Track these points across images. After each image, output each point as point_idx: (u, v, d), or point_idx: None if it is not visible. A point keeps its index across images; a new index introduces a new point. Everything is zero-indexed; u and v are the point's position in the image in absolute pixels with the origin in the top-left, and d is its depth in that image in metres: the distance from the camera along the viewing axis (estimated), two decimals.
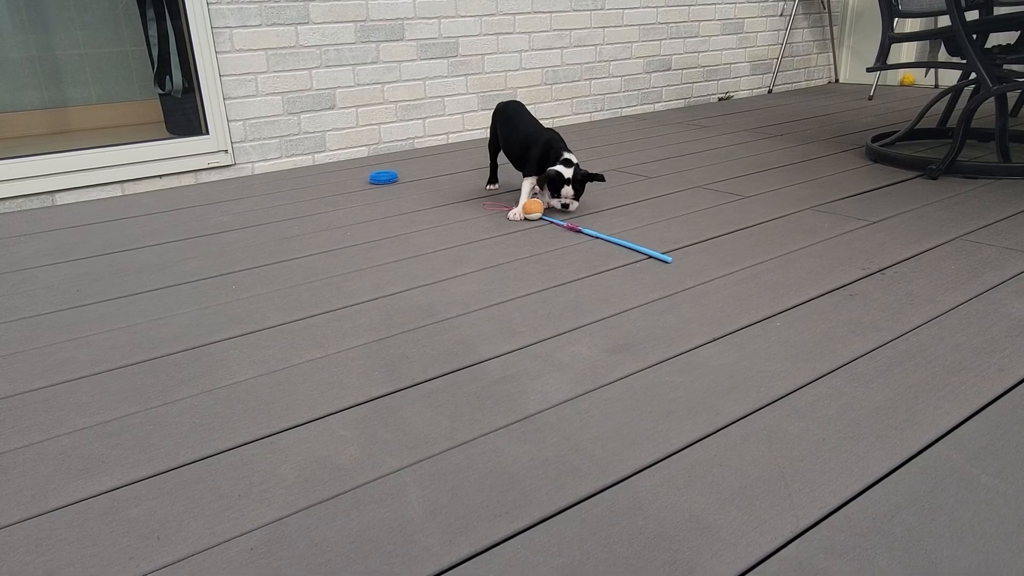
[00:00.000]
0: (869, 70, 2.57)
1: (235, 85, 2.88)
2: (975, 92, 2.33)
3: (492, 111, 2.53)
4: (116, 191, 2.74)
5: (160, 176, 2.82)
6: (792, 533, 0.85)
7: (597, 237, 1.93)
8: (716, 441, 1.03)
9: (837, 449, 1.00)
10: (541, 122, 2.33)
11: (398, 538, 0.87)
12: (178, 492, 0.98)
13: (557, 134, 2.21)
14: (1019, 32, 2.52)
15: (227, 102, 2.88)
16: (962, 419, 1.05)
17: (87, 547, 0.88)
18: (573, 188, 2.10)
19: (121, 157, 2.73)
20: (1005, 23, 2.41)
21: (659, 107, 4.18)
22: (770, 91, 4.66)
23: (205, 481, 1.00)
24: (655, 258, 1.72)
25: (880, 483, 0.92)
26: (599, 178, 2.12)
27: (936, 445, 0.99)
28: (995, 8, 2.64)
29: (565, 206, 2.15)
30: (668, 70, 4.15)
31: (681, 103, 4.28)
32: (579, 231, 1.99)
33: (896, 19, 2.79)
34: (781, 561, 0.80)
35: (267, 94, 2.96)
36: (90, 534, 0.91)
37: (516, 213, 2.17)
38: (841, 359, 1.24)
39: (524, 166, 2.25)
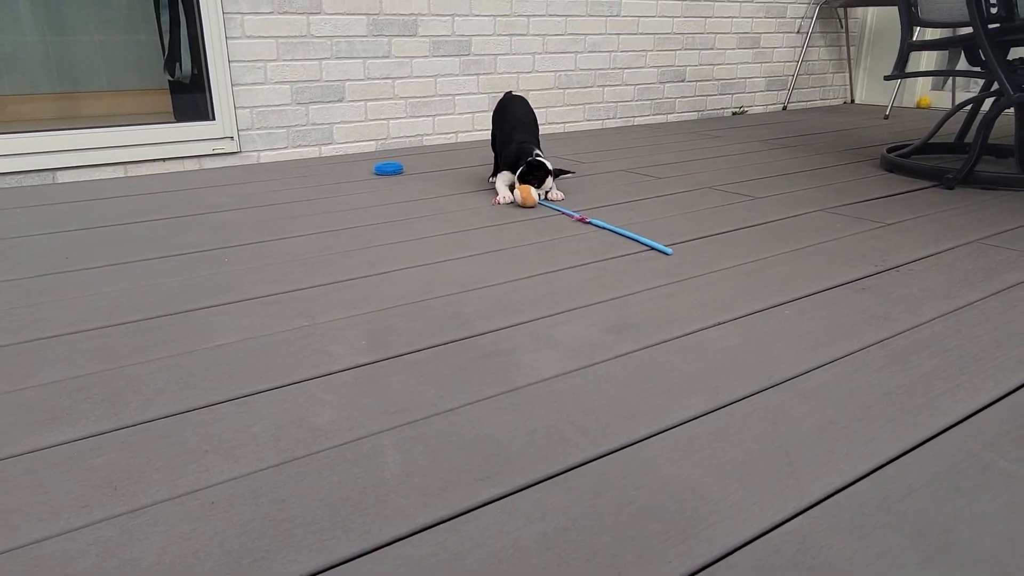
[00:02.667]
0: (887, 78, 2.52)
1: (244, 72, 2.86)
2: (996, 101, 2.27)
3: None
4: (119, 172, 2.71)
5: (163, 159, 2.79)
6: (796, 509, 0.78)
7: (603, 228, 1.89)
8: (717, 418, 0.97)
9: (846, 430, 0.93)
10: (538, 122, 2.42)
11: (371, 498, 0.81)
12: (143, 445, 0.92)
13: (533, 139, 2.29)
14: None
15: (235, 88, 2.86)
16: (980, 407, 0.98)
17: (38, 494, 0.83)
18: (551, 179, 2.19)
19: (125, 138, 2.70)
20: None
21: (672, 118, 4.14)
22: (785, 107, 4.62)
23: (172, 436, 0.94)
24: (656, 249, 1.67)
25: (891, 464, 0.86)
26: (568, 172, 2.33)
27: (951, 430, 0.93)
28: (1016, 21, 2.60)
29: (547, 193, 2.21)
30: (682, 81, 4.11)
31: (694, 115, 4.24)
32: (588, 222, 1.95)
33: (916, 30, 2.75)
34: (784, 535, 0.74)
35: (276, 82, 2.93)
36: (43, 481, 0.85)
37: (504, 197, 2.21)
38: (851, 347, 1.18)
39: (500, 160, 2.36)
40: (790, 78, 4.58)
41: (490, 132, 2.55)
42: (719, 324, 1.28)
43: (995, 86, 2.34)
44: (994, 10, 2.59)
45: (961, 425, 0.94)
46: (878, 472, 0.84)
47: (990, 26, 2.53)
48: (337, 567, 0.71)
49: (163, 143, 2.77)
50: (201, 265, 1.64)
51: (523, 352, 1.18)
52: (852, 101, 4.96)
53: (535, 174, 2.16)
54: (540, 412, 0.99)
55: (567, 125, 3.76)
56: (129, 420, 0.98)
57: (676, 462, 0.87)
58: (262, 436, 0.94)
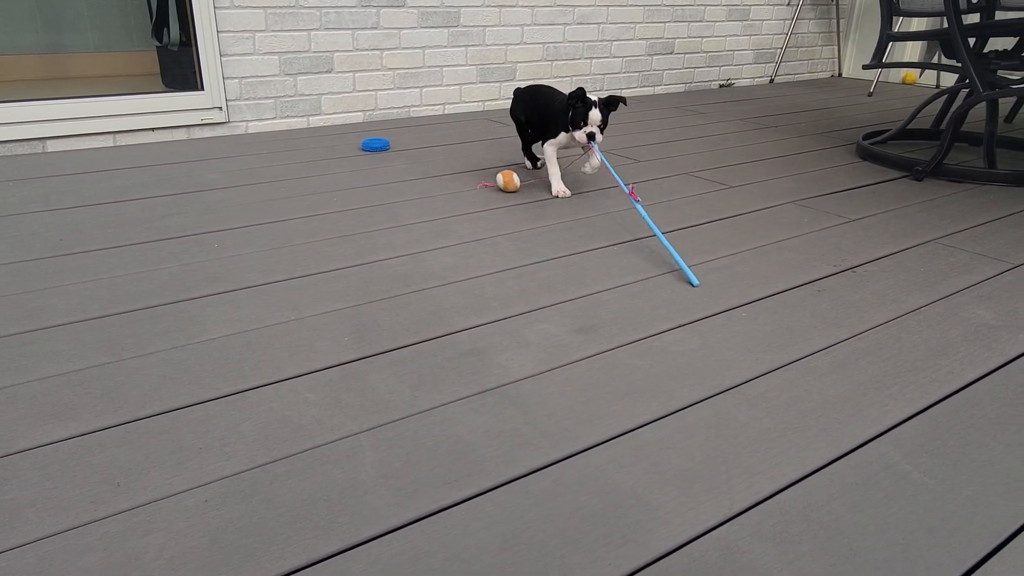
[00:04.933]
0: (865, 67, 2.57)
1: (232, 42, 2.87)
2: (967, 96, 2.34)
3: (512, 96, 2.40)
4: (108, 141, 2.74)
5: (153, 129, 2.82)
6: (725, 516, 0.88)
7: (646, 221, 1.76)
8: (667, 424, 1.06)
9: (781, 439, 1.03)
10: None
11: (349, 498, 0.91)
12: (142, 442, 1.01)
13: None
14: (1017, 38, 2.52)
15: (223, 59, 2.87)
16: (905, 417, 1.08)
17: (49, 488, 0.91)
18: (600, 113, 1.99)
19: (114, 108, 2.72)
20: (1003, 28, 2.42)
21: (659, 90, 4.17)
22: (772, 81, 4.65)
23: (169, 433, 1.03)
24: (684, 273, 1.57)
25: (816, 473, 0.96)
26: (622, 100, 2.06)
27: (876, 441, 1.03)
28: (996, 13, 2.65)
29: (591, 136, 2.00)
30: (670, 53, 4.13)
31: (682, 87, 4.27)
32: (636, 201, 1.80)
33: (899, 18, 2.79)
34: (710, 541, 0.84)
35: (264, 53, 2.94)
36: (53, 476, 0.94)
37: (560, 190, 2.15)
38: (799, 352, 1.27)
39: (547, 128, 2.17)
40: (778, 51, 4.60)
41: (515, 130, 2.48)
42: (681, 326, 1.37)
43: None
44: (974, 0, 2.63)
45: (886, 435, 1.04)
46: (804, 481, 0.95)
47: (971, 16, 2.58)
48: (318, 564, 0.81)
49: (152, 113, 2.79)
50: (192, 251, 1.71)
51: (496, 352, 1.27)
52: (840, 75, 4.98)
53: (603, 112, 1.98)
54: (508, 413, 1.09)
55: None
56: (128, 416, 1.07)
57: (625, 468, 0.97)
58: (250, 435, 1.03)
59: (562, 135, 2.10)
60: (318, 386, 1.16)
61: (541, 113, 2.22)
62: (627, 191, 1.81)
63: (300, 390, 1.15)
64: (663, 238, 1.69)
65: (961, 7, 2.45)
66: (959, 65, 2.31)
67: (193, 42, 2.83)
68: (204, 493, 0.91)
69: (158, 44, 3.10)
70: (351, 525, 0.86)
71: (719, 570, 0.80)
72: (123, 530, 0.85)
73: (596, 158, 2.06)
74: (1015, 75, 2.30)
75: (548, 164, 2.21)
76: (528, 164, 2.48)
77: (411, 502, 0.90)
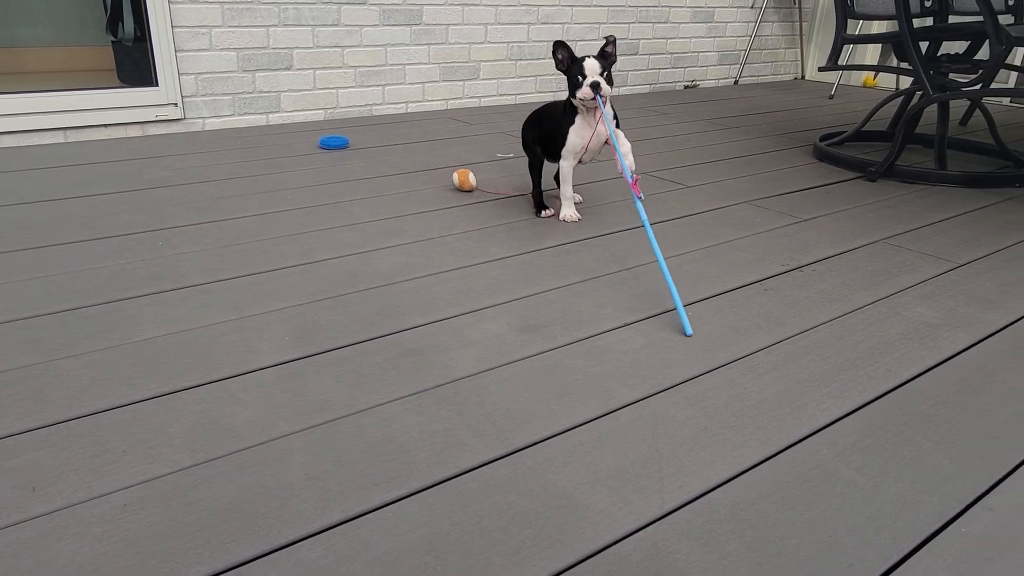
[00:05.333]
0: (821, 69, 2.60)
1: (188, 37, 2.82)
2: (919, 99, 2.37)
3: (525, 120, 2.05)
4: (58, 137, 2.67)
5: (106, 126, 2.76)
6: (655, 515, 0.88)
7: (649, 238, 1.52)
8: (603, 424, 1.06)
9: (717, 438, 1.03)
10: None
11: (274, 501, 0.89)
12: (63, 445, 0.98)
13: None
14: (968, 42, 2.57)
15: (179, 54, 2.82)
16: (840, 415, 1.09)
17: None
18: (599, 63, 1.75)
19: (66, 103, 2.66)
20: (955, 32, 2.46)
21: (624, 91, 4.18)
22: (736, 82, 4.68)
23: (92, 436, 1.00)
24: (681, 319, 1.36)
25: (749, 472, 0.96)
26: (610, 42, 1.81)
27: (810, 439, 1.03)
28: (950, 17, 2.69)
29: (596, 86, 1.73)
30: (635, 54, 4.15)
31: (647, 88, 4.29)
32: (639, 198, 1.59)
33: (860, 21, 2.82)
34: (637, 541, 0.84)
35: (221, 49, 2.90)
36: None
37: (570, 214, 1.93)
38: (742, 351, 1.28)
39: (558, 140, 1.88)
40: (743, 53, 4.64)
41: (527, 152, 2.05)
42: (626, 325, 1.36)
43: None
44: (928, 3, 2.67)
45: (820, 434, 1.04)
46: (737, 479, 0.94)
47: (925, 20, 2.62)
48: (235, 568, 0.79)
49: (105, 109, 2.73)
50: (135, 249, 1.67)
51: (438, 351, 1.25)
52: (803, 77, 5.04)
53: (602, 63, 1.75)
54: (444, 414, 1.07)
55: (519, 97, 3.78)
56: (52, 418, 1.04)
57: (558, 468, 0.96)
58: (178, 437, 1.00)
59: (573, 136, 1.83)
60: (253, 387, 1.13)
61: (549, 127, 1.93)
62: (630, 182, 1.62)
63: (234, 391, 1.12)
64: (668, 275, 1.44)
65: (914, 11, 2.49)
66: (910, 68, 2.34)
67: (148, 37, 2.78)
68: (123, 497, 0.89)
69: (113, 39, 3.03)
70: (273, 529, 0.84)
71: (644, 570, 0.79)
72: (34, 536, 0.82)
73: (624, 144, 1.79)
74: (966, 79, 2.34)
75: (563, 184, 1.94)
76: (536, 210, 2.01)
77: (337, 504, 0.88)
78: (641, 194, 1.63)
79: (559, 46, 1.80)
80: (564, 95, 1.86)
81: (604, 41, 1.82)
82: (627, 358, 1.24)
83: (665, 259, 1.48)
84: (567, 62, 1.80)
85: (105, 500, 0.88)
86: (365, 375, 1.17)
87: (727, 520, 0.87)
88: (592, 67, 1.74)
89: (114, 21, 3.01)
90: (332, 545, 0.82)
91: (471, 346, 1.27)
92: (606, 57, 1.78)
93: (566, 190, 1.95)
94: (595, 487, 0.92)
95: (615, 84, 1.80)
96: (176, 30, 2.78)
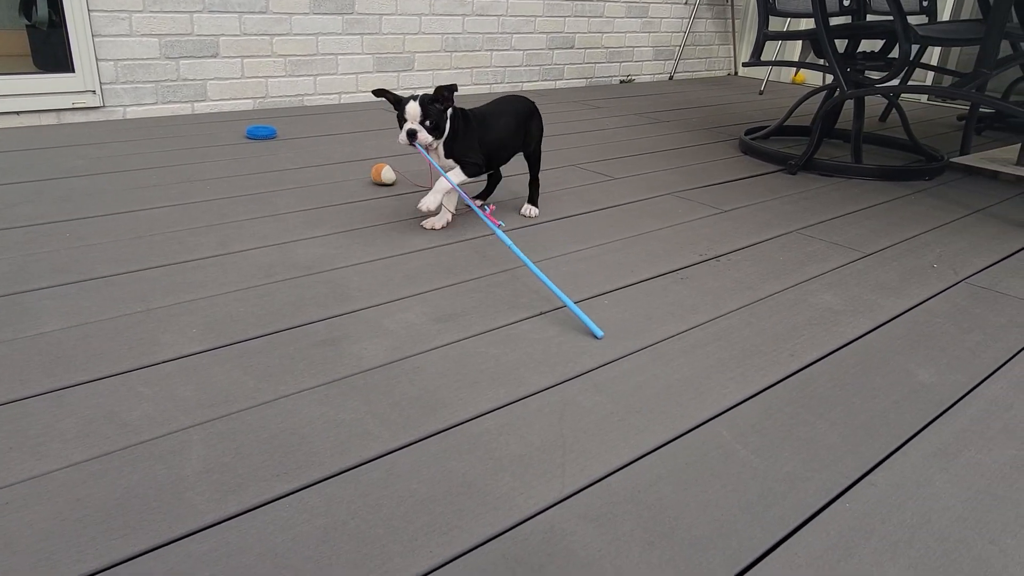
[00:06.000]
0: (745, 64, 2.66)
1: (106, 22, 2.72)
2: (837, 94, 2.45)
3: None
4: None
5: (17, 113, 2.64)
6: (555, 499, 0.89)
7: (517, 256, 1.47)
8: (511, 411, 1.06)
9: (622, 423, 1.05)
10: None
11: (167, 496, 0.87)
12: None
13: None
14: (883, 40, 2.66)
15: (96, 39, 2.71)
16: (742, 399, 1.12)
17: None
18: (421, 109, 1.61)
19: None
20: (868, 31, 2.55)
21: (560, 84, 4.21)
22: (671, 77, 4.76)
23: None
24: (587, 325, 1.31)
25: (650, 455, 0.98)
26: (450, 88, 1.63)
27: (711, 422, 1.06)
28: (868, 16, 2.79)
29: (412, 134, 1.62)
30: (571, 48, 4.17)
31: (583, 82, 4.32)
32: (496, 226, 1.53)
33: (789, 19, 2.89)
34: (535, 524, 0.84)
35: (142, 35, 2.80)
36: None
37: (427, 204, 1.67)
38: (653, 338, 1.30)
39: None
40: (677, 48, 4.71)
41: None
42: (542, 314, 1.37)
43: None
44: (846, 2, 2.76)
45: (721, 417, 1.07)
46: (637, 463, 0.96)
47: (841, 19, 2.70)
48: (118, 565, 0.76)
49: (17, 95, 2.62)
50: (42, 240, 1.60)
51: (352, 341, 1.24)
52: (735, 73, 5.16)
53: (424, 109, 1.61)
54: (351, 404, 1.06)
55: None
56: None
57: (462, 455, 0.96)
58: (70, 432, 0.97)
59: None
60: (154, 380, 1.10)
61: None
62: (483, 216, 1.55)
63: (134, 384, 1.09)
64: (553, 285, 1.39)
65: (833, 10, 2.57)
66: (826, 65, 2.42)
67: (62, 21, 2.67)
68: (6, 495, 0.85)
69: (27, 22, 2.90)
70: (164, 523, 0.82)
71: (538, 552, 0.80)
72: None
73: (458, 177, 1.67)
74: (879, 75, 2.42)
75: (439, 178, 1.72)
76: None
77: (234, 497, 0.87)
78: (500, 222, 1.56)
79: (379, 93, 1.68)
80: (502, 87, 1.88)
81: (443, 88, 1.63)
82: (540, 346, 1.25)
83: (584, 250, 1.49)
84: (394, 104, 1.65)
85: None
86: (273, 367, 1.15)
87: (624, 502, 0.89)
88: (412, 112, 1.61)
89: (27, 3, 2.88)
90: (224, 538, 0.80)
91: (385, 336, 1.26)
92: (437, 101, 1.63)
93: (440, 183, 1.70)
94: (498, 473, 0.93)
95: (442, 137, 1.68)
96: (93, 14, 2.68)
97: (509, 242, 1.48)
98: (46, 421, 0.99)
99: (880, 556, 0.82)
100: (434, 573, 0.77)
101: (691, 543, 0.83)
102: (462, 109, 1.74)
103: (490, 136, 1.78)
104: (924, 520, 0.88)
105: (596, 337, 1.30)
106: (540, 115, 1.92)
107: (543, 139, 1.95)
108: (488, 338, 1.27)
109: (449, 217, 1.82)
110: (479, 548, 0.81)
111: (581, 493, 0.90)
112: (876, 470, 0.96)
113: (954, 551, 0.83)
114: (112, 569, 0.76)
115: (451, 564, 0.78)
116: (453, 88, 1.65)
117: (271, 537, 0.81)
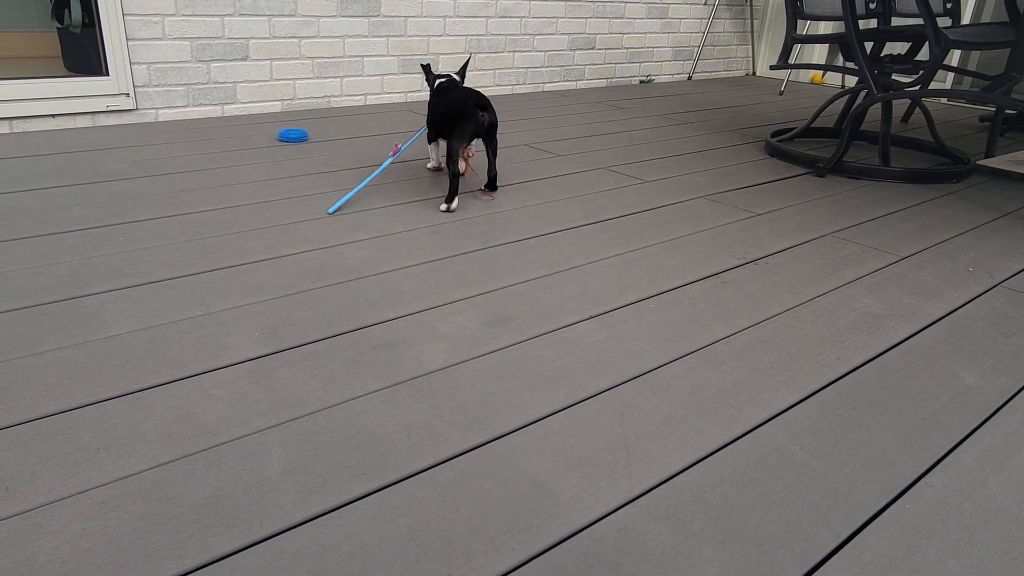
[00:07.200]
0: (772, 68, 2.69)
1: (140, 26, 2.76)
2: (864, 97, 2.47)
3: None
4: (3, 128, 2.59)
5: (53, 116, 2.68)
6: (624, 500, 0.92)
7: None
8: (573, 413, 1.10)
9: (681, 425, 1.08)
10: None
11: (254, 495, 0.90)
12: (34, 444, 0.98)
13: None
14: (910, 43, 2.68)
15: (130, 43, 2.75)
16: (795, 402, 1.15)
17: None
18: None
19: (11, 92, 2.58)
20: (897, 34, 2.56)
21: (581, 85, 4.24)
22: (690, 77, 4.78)
23: (64, 433, 1.00)
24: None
25: (711, 457, 1.01)
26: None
27: (767, 424, 1.09)
28: (892, 19, 2.80)
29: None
30: (592, 49, 4.20)
31: (603, 83, 4.34)
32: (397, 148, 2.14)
33: (808, 22, 2.91)
34: (609, 524, 0.88)
35: (174, 38, 2.84)
36: None
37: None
38: (702, 342, 1.33)
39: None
40: (696, 49, 4.73)
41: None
42: (591, 318, 1.41)
43: None
44: (872, 5, 2.78)
45: (776, 419, 1.10)
46: (699, 464, 1.00)
47: (869, 21, 2.72)
48: (219, 561, 0.80)
49: (54, 98, 2.66)
50: (94, 244, 1.65)
51: (409, 345, 1.28)
52: (754, 73, 5.17)
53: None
54: (418, 406, 1.10)
55: (478, 89, 3.78)
56: (20, 417, 1.03)
57: (530, 457, 0.99)
58: (152, 433, 1.01)
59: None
60: (225, 382, 1.14)
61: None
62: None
63: (206, 387, 1.13)
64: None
65: (859, 13, 2.58)
66: (855, 68, 2.44)
67: (97, 25, 2.71)
68: (101, 494, 0.89)
69: (59, 26, 2.95)
70: (255, 521, 0.86)
71: (615, 551, 0.83)
72: (11, 536, 0.82)
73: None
74: (908, 79, 2.44)
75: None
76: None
77: (317, 496, 0.90)
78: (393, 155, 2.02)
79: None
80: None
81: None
82: (593, 350, 1.29)
83: (625, 254, 1.53)
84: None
85: (83, 497, 0.88)
86: (337, 370, 1.19)
87: (691, 503, 0.92)
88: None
89: (60, 7, 2.92)
90: (315, 535, 0.84)
91: (441, 340, 1.30)
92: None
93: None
94: (567, 474, 0.96)
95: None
96: (127, 18, 2.72)
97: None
98: (129, 423, 1.03)
99: (943, 555, 0.85)
100: (518, 570, 0.81)
101: (760, 542, 0.86)
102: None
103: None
104: (983, 521, 0.91)
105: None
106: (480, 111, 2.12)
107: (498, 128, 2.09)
108: (541, 342, 1.31)
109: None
110: (558, 546, 0.84)
111: (649, 494, 0.93)
112: (932, 472, 0.99)
113: (1014, 550, 0.86)
114: (213, 565, 0.80)
115: (533, 561, 0.82)
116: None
117: (359, 536, 0.85)
